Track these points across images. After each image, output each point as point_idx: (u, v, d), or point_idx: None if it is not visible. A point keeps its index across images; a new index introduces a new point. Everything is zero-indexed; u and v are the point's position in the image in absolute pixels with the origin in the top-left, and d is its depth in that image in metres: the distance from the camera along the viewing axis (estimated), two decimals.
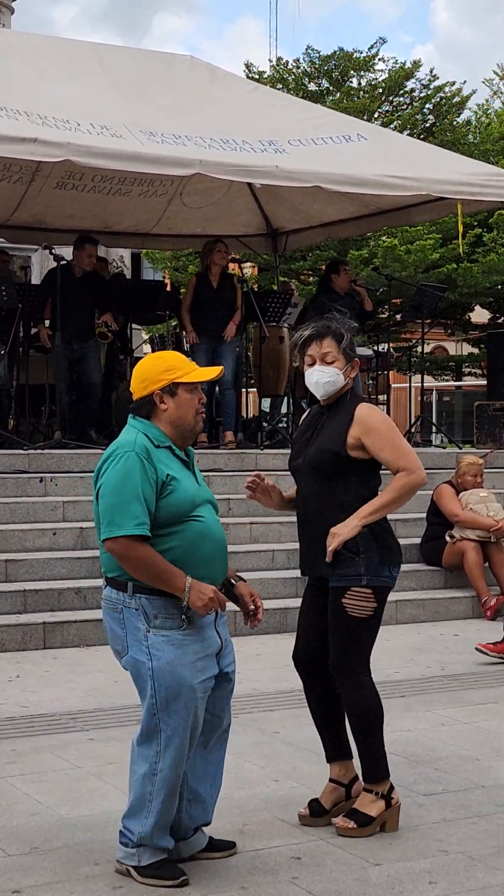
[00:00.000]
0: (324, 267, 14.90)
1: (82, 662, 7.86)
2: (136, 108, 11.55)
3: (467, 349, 29.83)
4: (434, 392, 24.49)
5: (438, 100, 25.91)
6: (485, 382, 18.62)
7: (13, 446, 10.89)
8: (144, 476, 4.16)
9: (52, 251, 11.67)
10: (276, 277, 17.55)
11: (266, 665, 7.53)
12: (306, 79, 26.18)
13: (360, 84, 26.23)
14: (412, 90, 25.96)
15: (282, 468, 10.99)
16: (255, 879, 4.30)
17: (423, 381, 16.49)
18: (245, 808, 4.99)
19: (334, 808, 4.92)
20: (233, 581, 4.48)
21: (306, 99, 22.51)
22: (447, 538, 10.08)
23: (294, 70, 26.34)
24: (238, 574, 4.53)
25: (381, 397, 14.83)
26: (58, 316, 11.34)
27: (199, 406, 4.37)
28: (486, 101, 31.98)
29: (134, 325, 14.26)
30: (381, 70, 26.11)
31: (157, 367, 4.34)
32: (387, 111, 25.95)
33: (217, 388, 12.44)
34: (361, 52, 25.96)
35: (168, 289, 15.09)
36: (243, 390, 13.44)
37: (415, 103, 25.91)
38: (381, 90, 25.78)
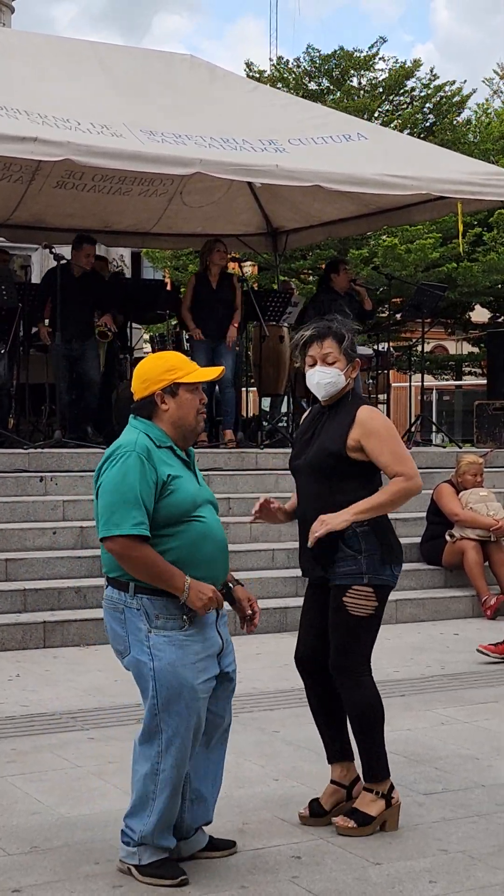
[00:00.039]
0: (323, 266, 14.89)
1: (82, 661, 7.86)
2: (137, 108, 11.55)
3: (467, 348, 29.83)
4: (434, 391, 24.50)
5: (439, 99, 25.91)
6: (485, 382, 18.63)
7: (13, 445, 10.89)
8: (144, 477, 4.16)
9: (53, 250, 11.67)
10: (276, 276, 17.55)
11: (266, 664, 7.53)
12: (306, 78, 26.19)
13: (360, 83, 26.24)
14: (412, 89, 25.97)
15: (282, 467, 11.01)
16: (255, 878, 4.30)
17: (423, 381, 16.50)
18: (245, 807, 4.99)
19: (334, 809, 4.91)
20: (230, 584, 4.48)
21: (307, 98, 22.51)
22: (447, 537, 10.08)
23: (294, 69, 26.34)
24: (235, 578, 4.52)
25: (382, 396, 14.84)
26: (57, 315, 11.34)
27: (201, 406, 4.37)
28: (486, 100, 32.02)
29: (134, 325, 14.25)
30: (382, 69, 26.13)
31: (158, 368, 4.34)
32: (387, 110, 25.95)
33: (217, 387, 12.45)
34: (362, 52, 25.97)
35: (168, 288, 15.09)
36: (243, 389, 13.45)
37: (415, 103, 25.91)
38: (381, 89, 25.78)
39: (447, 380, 28.06)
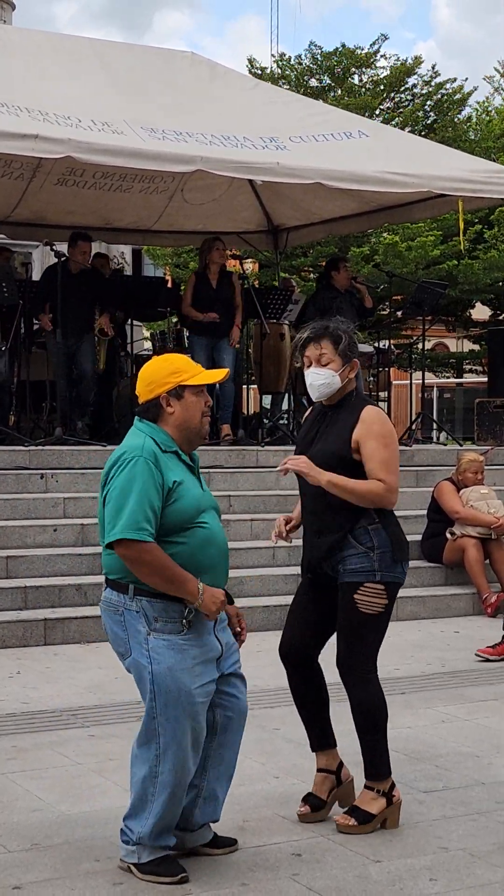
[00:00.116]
0: (324, 263, 14.88)
1: (83, 659, 7.86)
2: (137, 105, 11.54)
3: (468, 346, 29.83)
4: (435, 389, 24.46)
5: (440, 97, 25.90)
6: (485, 379, 18.61)
7: (14, 443, 10.88)
8: (153, 482, 4.15)
9: (54, 247, 11.66)
10: (276, 274, 17.55)
11: (267, 662, 7.52)
12: (308, 75, 26.18)
13: (361, 81, 26.23)
14: (413, 86, 25.96)
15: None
16: (255, 876, 4.31)
17: (423, 378, 16.51)
18: (245, 804, 4.99)
19: (330, 796, 4.96)
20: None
21: (308, 95, 22.51)
22: (448, 535, 10.09)
23: (296, 66, 26.33)
24: (227, 593, 4.51)
25: (382, 394, 14.83)
26: (58, 313, 11.33)
27: (206, 409, 4.36)
28: (487, 98, 31.98)
29: (135, 322, 14.24)
30: (383, 67, 26.12)
31: (163, 370, 4.33)
32: (388, 108, 25.95)
33: (217, 383, 12.43)
34: (363, 49, 25.96)
35: (169, 285, 15.06)
36: (244, 387, 13.44)
37: (416, 100, 25.90)
38: (382, 87, 25.77)
39: (448, 377, 28.05)
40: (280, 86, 23.71)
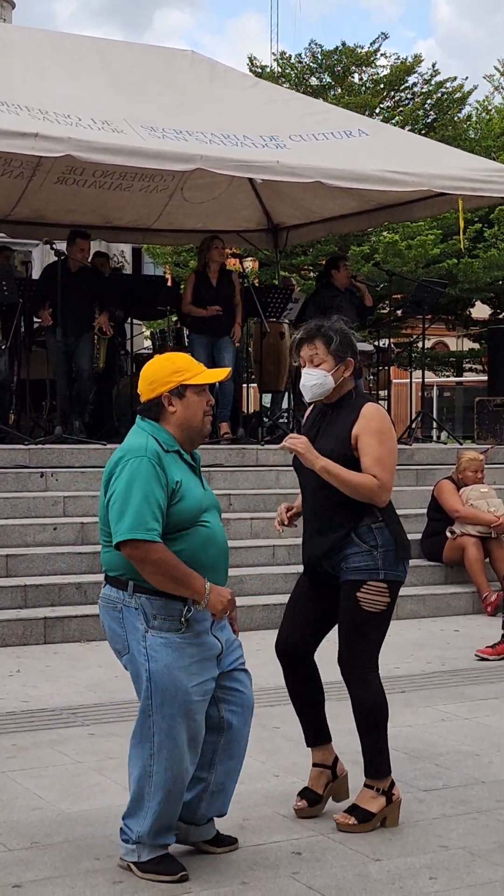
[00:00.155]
0: (324, 262, 14.89)
1: (83, 657, 7.86)
2: (137, 104, 11.54)
3: (468, 345, 29.82)
4: (435, 388, 24.46)
5: (440, 96, 25.90)
6: (485, 378, 18.61)
7: (14, 441, 10.88)
8: (157, 481, 4.15)
9: (54, 246, 11.66)
10: (276, 273, 17.55)
11: (266, 660, 7.51)
12: (308, 73, 26.17)
13: (361, 79, 26.22)
14: (413, 85, 25.96)
15: (282, 464, 11.00)
16: (255, 874, 4.31)
17: (423, 377, 16.51)
18: (245, 803, 4.99)
19: (326, 790, 4.98)
20: None
21: (308, 94, 22.52)
22: (448, 534, 10.09)
23: (296, 65, 26.33)
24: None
25: (382, 393, 14.83)
26: (58, 311, 11.33)
27: (208, 408, 4.36)
28: (487, 97, 31.97)
29: (135, 321, 14.24)
30: (383, 65, 26.12)
31: (165, 369, 4.33)
32: (388, 107, 25.95)
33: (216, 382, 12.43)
34: (363, 48, 25.95)
35: (169, 284, 15.07)
36: (244, 386, 13.45)
37: (416, 99, 25.90)
38: (382, 85, 25.76)
39: (448, 376, 28.05)
40: (280, 84, 23.71)
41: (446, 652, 8.30)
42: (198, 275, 12.56)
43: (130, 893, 4.13)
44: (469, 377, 27.34)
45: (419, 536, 10.33)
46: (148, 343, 16.99)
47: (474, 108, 29.02)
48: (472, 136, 25.87)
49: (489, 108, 29.89)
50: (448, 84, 25.94)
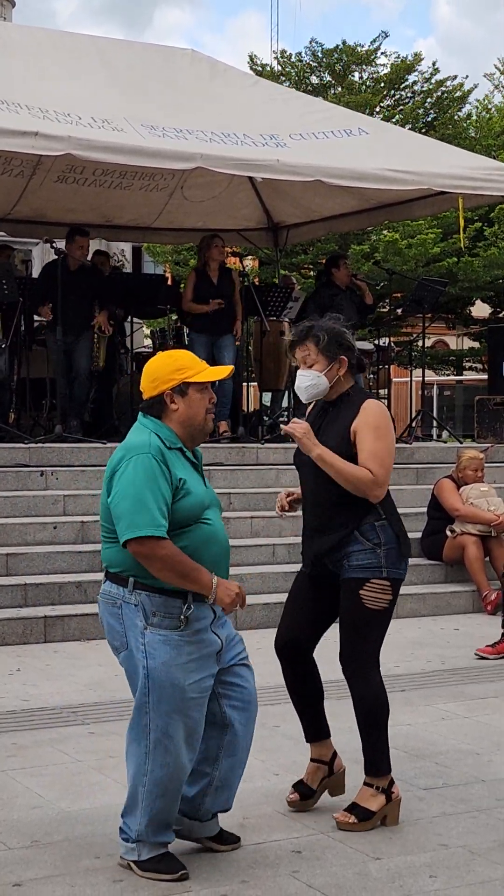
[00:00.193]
0: (324, 261, 14.89)
1: (83, 656, 7.86)
2: (137, 102, 11.55)
3: (468, 343, 29.83)
4: (435, 386, 24.45)
5: (440, 94, 25.89)
6: (485, 377, 18.60)
7: (14, 440, 10.88)
8: (162, 477, 4.15)
9: (54, 245, 11.65)
10: (276, 271, 17.55)
11: (267, 659, 7.51)
12: (307, 71, 26.17)
13: (361, 78, 26.21)
14: (414, 83, 25.95)
15: (282, 462, 11.01)
16: (255, 873, 4.31)
17: (423, 376, 16.50)
18: (246, 801, 4.99)
19: (320, 786, 5.02)
20: None
21: (308, 92, 22.52)
22: (448, 532, 10.09)
23: (297, 63, 26.32)
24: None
25: (382, 392, 14.84)
26: (58, 309, 11.32)
27: (210, 406, 4.36)
28: (487, 95, 31.97)
29: (135, 319, 14.23)
30: (384, 64, 26.11)
31: (167, 367, 4.32)
32: (388, 106, 25.94)
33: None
34: (363, 46, 25.95)
35: (169, 283, 15.07)
36: (244, 384, 13.46)
37: (416, 97, 25.89)
38: (382, 84, 25.76)
39: (448, 375, 28.06)
40: (281, 83, 23.71)
41: (446, 651, 8.30)
42: (198, 273, 12.57)
43: (131, 892, 4.14)
44: (469, 376, 27.33)
45: (419, 535, 10.33)
46: (148, 342, 16.99)
47: (474, 107, 29.02)
48: (473, 134, 25.86)
49: (489, 106, 29.88)
50: (448, 83, 25.94)
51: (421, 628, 9.12)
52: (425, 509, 10.45)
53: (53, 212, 14.01)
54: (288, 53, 26.89)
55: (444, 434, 17.94)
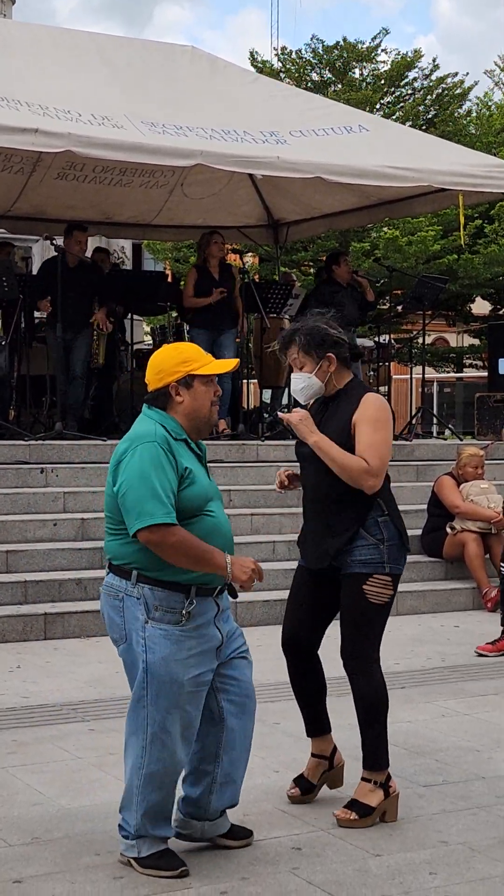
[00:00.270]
0: (324, 258, 14.89)
1: (83, 653, 7.86)
2: (137, 99, 11.54)
3: (468, 340, 29.82)
4: (435, 383, 24.46)
5: (440, 91, 25.87)
6: (486, 374, 18.60)
7: (14, 437, 10.88)
8: (169, 465, 4.15)
9: (54, 242, 11.65)
10: (277, 268, 17.54)
11: (267, 656, 7.53)
12: (308, 67, 26.15)
13: (362, 75, 26.20)
14: (414, 80, 25.93)
15: (282, 459, 11.01)
16: (255, 870, 4.31)
17: (423, 373, 16.47)
18: (246, 798, 4.98)
19: (320, 780, 5.05)
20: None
21: (309, 89, 22.51)
22: (448, 529, 10.08)
23: (297, 60, 26.31)
24: (231, 585, 4.48)
25: (382, 389, 14.83)
26: (57, 307, 11.31)
27: (215, 398, 4.35)
28: (487, 92, 31.92)
29: (135, 317, 14.25)
30: (384, 61, 26.09)
31: (173, 359, 4.32)
32: (389, 102, 25.92)
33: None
34: (364, 43, 25.93)
35: (169, 280, 15.06)
36: (244, 381, 13.46)
37: (417, 94, 25.88)
38: (383, 81, 25.74)
39: (448, 372, 28.05)
40: (281, 80, 23.70)
41: (446, 648, 8.31)
42: (199, 269, 12.57)
43: (131, 889, 4.14)
44: (469, 373, 27.33)
45: (419, 532, 10.33)
46: (148, 339, 16.99)
47: (475, 104, 29.00)
48: (473, 131, 25.84)
49: (489, 103, 29.84)
50: (448, 79, 25.92)
51: (421, 625, 9.12)
52: (425, 506, 10.46)
53: (53, 209, 14.01)
54: (288, 50, 26.89)
55: (447, 432, 17.91)
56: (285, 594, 8.53)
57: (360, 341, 14.70)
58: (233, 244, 17.99)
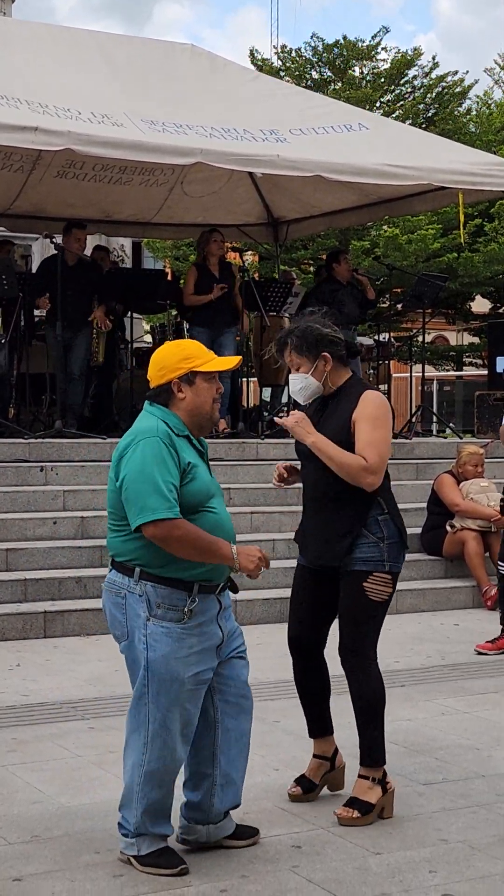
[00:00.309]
0: (324, 256, 14.89)
1: (83, 651, 7.87)
2: (137, 97, 11.53)
3: (468, 339, 29.82)
4: (435, 382, 24.47)
5: (440, 89, 25.86)
6: (485, 372, 18.61)
7: (14, 435, 10.88)
8: (171, 460, 4.15)
9: (53, 240, 11.64)
10: (276, 266, 17.54)
11: (267, 654, 7.53)
12: (308, 66, 26.14)
13: (362, 73, 26.19)
14: (414, 78, 25.92)
15: (282, 457, 11.00)
16: (255, 868, 4.31)
17: (423, 371, 16.49)
18: (246, 796, 4.97)
19: (322, 781, 5.06)
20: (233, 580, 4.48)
21: (309, 87, 22.49)
22: (448, 528, 10.09)
23: (297, 58, 26.29)
24: (232, 579, 4.49)
25: (382, 387, 14.83)
26: (57, 305, 11.30)
27: (217, 396, 4.36)
28: (487, 91, 31.91)
29: (134, 315, 14.24)
30: (384, 59, 26.08)
31: (175, 356, 4.32)
32: (388, 101, 25.92)
33: None
34: (364, 41, 25.92)
35: (168, 278, 15.06)
36: (244, 380, 13.44)
37: (416, 93, 25.87)
38: (383, 79, 25.73)
39: (448, 370, 28.06)
40: (281, 78, 23.69)
41: (446, 646, 8.31)
42: (199, 267, 12.56)
43: (131, 887, 4.14)
44: (469, 371, 27.34)
45: (419, 530, 10.33)
46: (148, 337, 16.99)
47: (475, 102, 28.99)
48: (473, 130, 25.84)
49: (489, 102, 29.83)
50: (448, 78, 25.91)
51: (421, 623, 9.12)
52: (425, 504, 10.46)
53: (53, 207, 14.01)
54: (288, 48, 26.88)
55: (453, 429, 17.91)
56: (285, 592, 8.53)
57: (359, 339, 14.70)
58: (232, 242, 17.98)
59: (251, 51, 27.14)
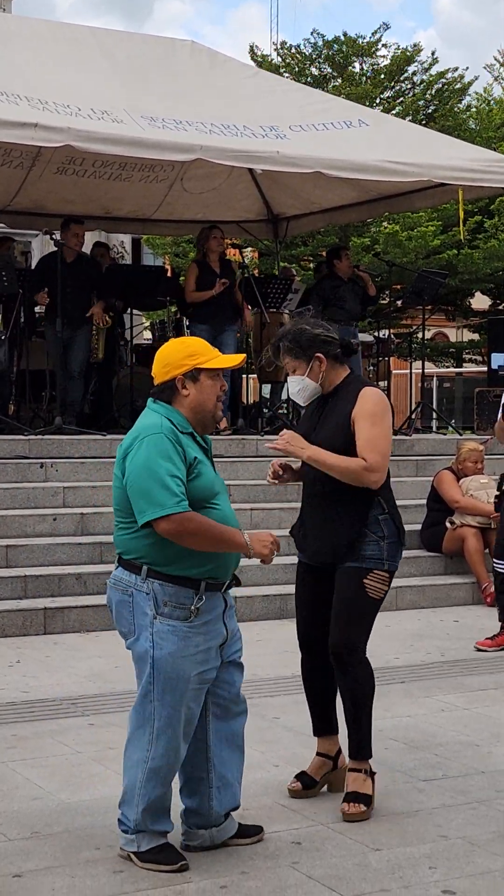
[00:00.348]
0: (324, 253, 14.88)
1: (83, 648, 7.87)
2: (137, 94, 11.52)
3: (468, 335, 29.80)
4: (434, 378, 24.47)
5: (440, 86, 25.85)
6: (485, 369, 18.60)
7: (14, 432, 10.88)
8: (176, 455, 4.16)
9: (53, 236, 11.63)
10: (276, 263, 17.53)
11: (267, 651, 7.54)
12: (308, 62, 26.12)
13: (362, 69, 26.17)
14: (414, 74, 25.90)
15: (282, 455, 10.98)
16: (255, 864, 4.31)
17: (423, 368, 16.50)
18: (245, 793, 4.98)
19: (323, 779, 5.07)
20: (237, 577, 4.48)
21: (309, 83, 22.47)
22: (447, 524, 10.09)
23: (297, 55, 26.28)
24: (236, 575, 4.49)
25: (382, 384, 14.83)
26: (57, 302, 11.29)
27: (221, 393, 4.36)
28: (487, 87, 31.90)
29: (134, 311, 14.23)
30: (384, 56, 26.06)
31: (179, 353, 4.33)
32: (388, 97, 25.90)
33: None
34: (364, 38, 25.90)
35: (168, 274, 15.04)
36: (244, 376, 13.43)
37: (416, 89, 25.85)
38: (382, 76, 25.72)
39: (447, 367, 28.06)
40: (281, 74, 23.67)
41: (446, 642, 8.31)
42: (199, 264, 12.55)
43: (131, 883, 4.14)
44: (469, 368, 27.34)
45: (419, 527, 10.33)
46: (148, 334, 16.98)
47: (475, 99, 28.97)
48: (473, 126, 25.83)
49: (489, 98, 29.82)
50: (448, 74, 25.89)
51: (420, 620, 9.12)
52: (425, 501, 10.46)
53: (53, 203, 14.00)
54: (288, 45, 26.87)
55: (453, 426, 17.92)
56: (285, 589, 8.52)
57: (359, 336, 14.69)
58: (232, 239, 17.95)
59: (251, 47, 27.14)
